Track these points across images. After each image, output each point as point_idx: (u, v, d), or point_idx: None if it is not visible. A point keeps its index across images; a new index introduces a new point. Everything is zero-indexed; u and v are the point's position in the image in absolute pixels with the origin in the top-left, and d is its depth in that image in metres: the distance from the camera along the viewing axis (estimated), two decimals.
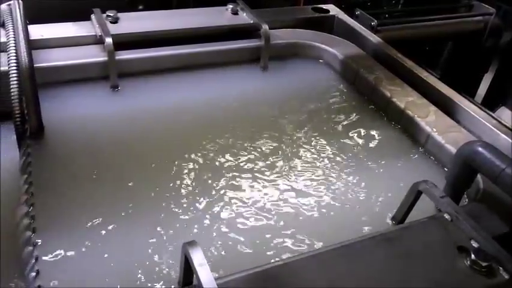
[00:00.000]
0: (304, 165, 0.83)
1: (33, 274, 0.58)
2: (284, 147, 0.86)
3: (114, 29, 0.98)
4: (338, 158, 0.85)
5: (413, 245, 0.60)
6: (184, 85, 0.99)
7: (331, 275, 0.55)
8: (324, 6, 1.29)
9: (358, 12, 1.28)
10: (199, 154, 0.82)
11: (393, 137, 0.92)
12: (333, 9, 1.28)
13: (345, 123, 0.95)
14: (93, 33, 0.99)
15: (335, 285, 0.53)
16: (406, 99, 0.95)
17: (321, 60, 1.14)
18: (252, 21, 1.11)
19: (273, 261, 0.60)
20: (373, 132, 0.92)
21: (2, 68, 0.87)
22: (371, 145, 0.89)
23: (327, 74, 1.11)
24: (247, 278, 0.52)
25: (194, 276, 0.49)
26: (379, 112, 0.98)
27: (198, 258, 0.50)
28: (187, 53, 1.02)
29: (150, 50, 0.99)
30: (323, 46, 1.14)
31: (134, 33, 0.99)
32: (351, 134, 0.92)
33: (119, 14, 1.04)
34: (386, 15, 1.32)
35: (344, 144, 0.89)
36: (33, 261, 0.59)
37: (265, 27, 1.07)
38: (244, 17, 1.13)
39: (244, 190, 0.76)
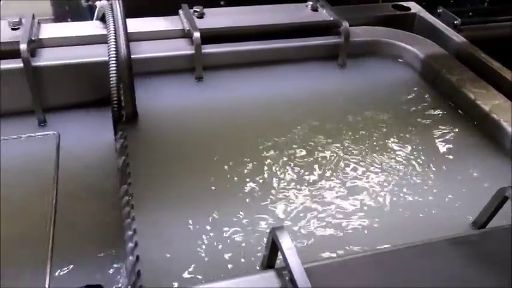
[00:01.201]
0: (380, 165, 0.83)
1: (132, 245, 0.64)
2: (360, 146, 0.87)
3: (200, 23, 1.04)
4: (417, 160, 0.84)
5: (494, 251, 0.59)
6: (263, 79, 1.03)
7: (409, 272, 0.56)
8: (405, 4, 1.27)
9: (441, 10, 1.25)
10: (275, 145, 0.85)
11: (476, 140, 0.90)
12: (414, 7, 1.26)
13: (423, 124, 0.94)
14: (181, 28, 1.05)
15: (412, 282, 0.54)
16: (491, 102, 0.92)
17: (400, 60, 1.13)
18: (332, 18, 1.12)
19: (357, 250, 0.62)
20: (455, 135, 0.91)
21: (101, 59, 0.96)
22: (452, 148, 0.88)
23: (407, 74, 1.10)
24: (332, 265, 0.54)
25: (282, 259, 0.52)
26: (461, 114, 0.96)
27: (286, 242, 0.53)
28: (268, 48, 1.06)
29: (233, 44, 1.04)
30: (403, 45, 1.13)
31: (220, 28, 1.04)
32: (430, 136, 0.91)
33: (204, 10, 1.10)
34: (471, 14, 1.28)
35: (423, 145, 0.88)
36: (132, 233, 0.65)
37: (345, 24, 1.08)
38: (324, 14, 1.15)
39: (321, 186, 0.78)
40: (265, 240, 0.66)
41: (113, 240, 0.72)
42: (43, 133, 0.93)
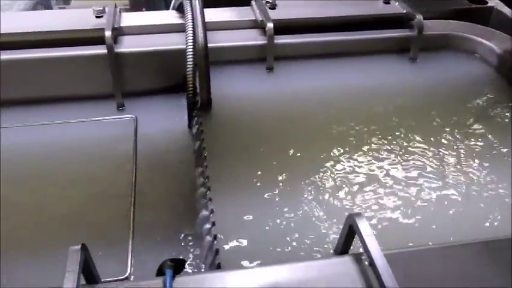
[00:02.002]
0: (449, 162, 0.81)
1: (209, 226, 0.67)
2: (428, 140, 0.86)
3: (272, 14, 1.05)
4: (487, 158, 0.82)
5: None
6: (334, 71, 1.03)
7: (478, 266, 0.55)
8: None
9: None
10: (344, 135, 0.86)
11: None
12: (491, 0, 1.22)
13: (497, 122, 0.91)
14: (253, 18, 1.07)
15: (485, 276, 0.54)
16: None
17: (475, 54, 1.10)
18: (405, 11, 1.10)
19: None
20: None
21: (177, 47, 1.00)
22: None
23: (481, 69, 1.06)
24: (412, 254, 0.54)
25: (361, 245, 0.53)
26: None
27: (365, 228, 0.53)
28: (339, 40, 1.06)
29: (305, 35, 1.05)
30: (478, 39, 1.10)
31: (292, 19, 1.05)
32: (504, 134, 0.87)
33: (277, 1, 1.11)
34: None
35: (495, 143, 0.85)
36: (210, 214, 0.68)
37: (419, 17, 1.06)
38: (397, 7, 1.13)
39: (389, 177, 0.78)
40: (334, 226, 0.68)
41: (188, 219, 0.75)
42: (122, 116, 0.98)
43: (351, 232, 0.57)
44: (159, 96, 1.03)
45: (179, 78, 1.03)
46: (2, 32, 0.99)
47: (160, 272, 0.55)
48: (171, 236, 0.74)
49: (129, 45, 0.99)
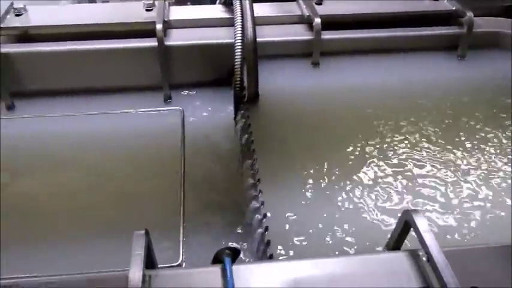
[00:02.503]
0: (488, 164, 0.79)
1: (261, 216, 0.68)
2: (469, 139, 0.84)
3: (319, 10, 1.05)
4: None
5: None
6: (380, 68, 1.02)
7: None
8: None
9: None
10: (391, 131, 0.85)
11: None
12: None
13: None
14: (299, 13, 1.08)
15: None
16: None
17: None
18: (454, 8, 1.08)
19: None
20: None
21: (224, 41, 1.01)
22: None
23: None
24: (470, 252, 0.54)
25: (419, 242, 0.53)
26: None
27: (423, 224, 0.53)
28: (387, 37, 1.05)
29: (351, 31, 1.04)
30: None
31: (339, 14, 1.05)
32: None
33: None
34: None
35: None
36: (261, 205, 0.69)
37: (469, 14, 1.04)
38: (445, 4, 1.11)
39: (431, 177, 0.77)
40: (387, 220, 0.67)
41: (237, 210, 0.77)
42: (169, 108, 1.00)
43: (405, 228, 0.56)
44: (204, 89, 1.05)
45: (225, 71, 1.05)
46: (54, 24, 1.02)
47: (216, 261, 0.56)
48: (220, 227, 0.75)
49: (177, 38, 1.01)
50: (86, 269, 0.63)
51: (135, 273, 0.46)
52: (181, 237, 0.72)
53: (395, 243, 0.59)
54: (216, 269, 0.51)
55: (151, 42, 0.97)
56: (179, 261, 0.68)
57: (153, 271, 0.49)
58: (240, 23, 0.92)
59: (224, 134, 0.93)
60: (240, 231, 0.75)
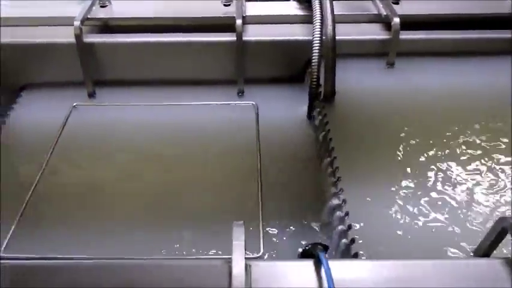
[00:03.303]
0: None
1: (342, 214, 0.68)
2: None
3: (397, 9, 1.04)
4: None
5: None
6: (458, 71, 0.99)
7: None
8: None
9: None
10: (466, 137, 0.83)
11: None
12: None
13: None
14: (375, 12, 1.07)
15: None
16: None
17: None
18: None
19: None
20: None
21: (300, 38, 1.01)
22: None
23: None
24: None
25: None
26: None
27: None
28: (466, 39, 1.01)
29: (429, 32, 1.02)
30: None
31: (417, 14, 1.03)
32: None
33: None
34: None
35: None
36: (342, 203, 0.69)
37: None
38: None
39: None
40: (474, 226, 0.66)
41: (314, 206, 0.78)
42: (243, 102, 1.02)
43: (501, 235, 0.55)
44: (277, 85, 1.06)
45: (298, 68, 1.06)
46: (135, 16, 1.06)
47: (304, 255, 0.57)
48: (296, 222, 0.76)
49: (254, 34, 1.02)
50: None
51: (238, 261, 0.48)
52: (261, 229, 0.73)
53: (486, 250, 0.58)
54: (309, 263, 0.52)
55: (230, 37, 0.99)
56: (260, 254, 0.69)
57: (252, 261, 0.51)
58: (319, 20, 0.92)
59: (298, 130, 0.94)
60: (315, 227, 0.75)
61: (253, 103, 1.01)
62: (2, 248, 0.72)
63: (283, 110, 1.00)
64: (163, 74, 1.06)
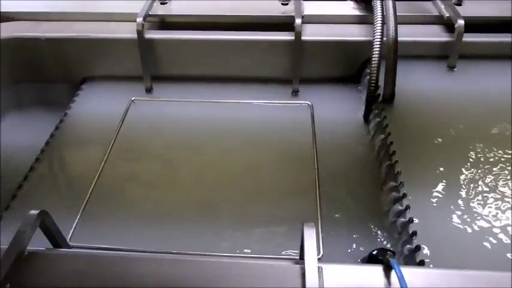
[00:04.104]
0: None
1: (405, 220, 0.67)
2: None
3: (460, 11, 1.01)
4: None
5: None
6: None
7: None
8: None
9: None
10: None
11: None
12: None
13: None
14: (436, 14, 1.04)
15: None
16: None
17: None
18: None
19: None
20: None
21: (358, 38, 1.00)
22: None
23: None
24: None
25: None
26: None
27: None
28: None
29: (493, 35, 0.99)
30: None
31: (481, 16, 1.01)
32: None
33: None
34: None
35: None
36: (405, 210, 0.68)
37: None
38: None
39: None
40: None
41: (373, 210, 0.77)
42: (298, 102, 1.02)
43: None
44: (332, 85, 1.05)
45: (354, 69, 1.05)
46: (194, 13, 1.07)
47: (371, 260, 0.57)
48: (354, 225, 0.76)
49: (312, 33, 1.02)
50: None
51: (311, 263, 0.48)
52: (320, 231, 0.73)
53: None
54: (379, 268, 0.52)
55: (288, 36, 0.99)
56: (320, 255, 0.69)
57: (322, 263, 0.51)
58: (380, 20, 0.91)
59: (354, 132, 0.93)
60: (375, 231, 0.74)
61: (309, 103, 1.01)
62: (68, 238, 0.75)
63: (339, 111, 0.99)
64: (220, 71, 1.07)
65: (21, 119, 1.13)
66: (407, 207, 0.68)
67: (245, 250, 0.72)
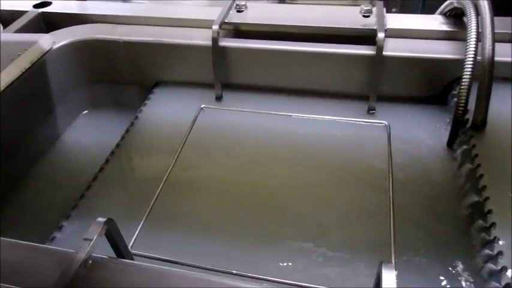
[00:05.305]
0: None
1: (497, 268, 0.59)
2: None
3: None
4: None
5: None
6: None
7: None
8: None
9: None
10: None
11: None
12: None
13: None
14: None
15: None
16: None
17: None
18: None
19: None
20: None
21: (446, 56, 0.92)
22: None
23: None
24: None
25: None
26: None
27: None
28: None
29: None
30: None
31: None
32: None
33: None
34: None
35: None
36: (497, 256, 0.60)
37: None
38: None
39: None
40: None
41: (453, 247, 0.69)
42: (374, 121, 0.95)
43: None
44: (412, 105, 0.98)
45: (438, 89, 0.97)
46: (270, 22, 1.04)
47: None
48: (432, 262, 0.69)
49: (393, 48, 0.95)
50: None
51: None
52: (394, 262, 0.67)
53: None
54: None
55: (368, 50, 0.94)
56: None
57: None
58: (475, 38, 0.82)
59: (435, 158, 0.85)
60: (457, 277, 0.67)
61: (386, 123, 0.94)
62: (130, 245, 0.74)
63: (419, 133, 0.91)
64: (292, 83, 1.03)
65: (94, 118, 1.16)
66: (500, 254, 0.60)
67: (308, 278, 0.68)
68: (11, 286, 0.52)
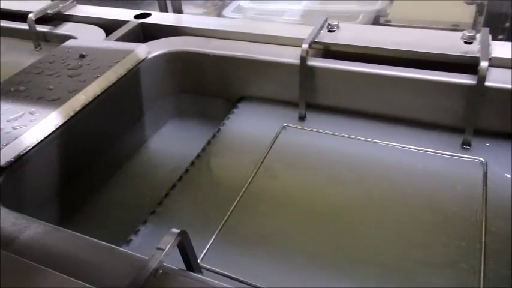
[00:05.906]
0: None
1: None
2: None
3: None
4: None
5: None
6: None
7: None
8: None
9: None
10: None
11: None
12: None
13: None
14: None
15: None
16: None
17: None
18: None
19: None
20: None
21: None
22: None
23: None
24: None
25: None
26: None
27: None
28: None
29: None
30: None
31: None
32: None
33: None
34: None
35: None
36: None
37: None
38: None
39: None
40: None
41: None
42: (469, 157, 0.87)
43: None
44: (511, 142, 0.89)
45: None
46: (361, 44, 1.01)
47: None
48: None
49: (497, 79, 0.87)
50: None
51: None
52: None
53: None
54: None
55: (468, 79, 0.87)
56: None
57: None
58: None
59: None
60: None
61: (482, 160, 0.86)
62: (200, 258, 0.74)
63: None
64: (380, 109, 0.98)
65: (179, 127, 1.19)
66: None
67: None
68: (87, 285, 0.53)
